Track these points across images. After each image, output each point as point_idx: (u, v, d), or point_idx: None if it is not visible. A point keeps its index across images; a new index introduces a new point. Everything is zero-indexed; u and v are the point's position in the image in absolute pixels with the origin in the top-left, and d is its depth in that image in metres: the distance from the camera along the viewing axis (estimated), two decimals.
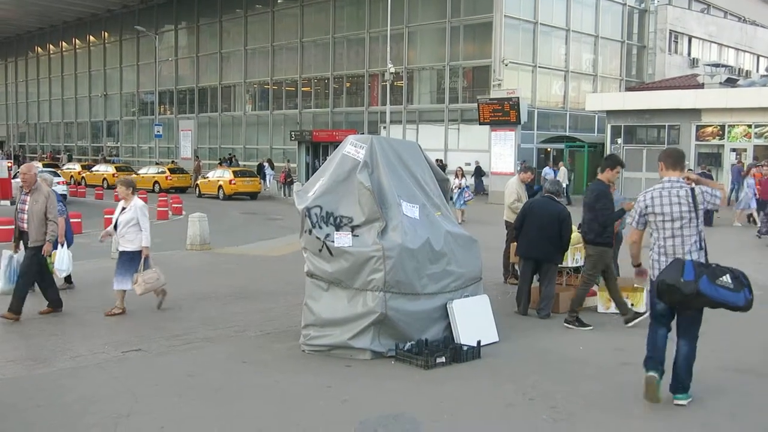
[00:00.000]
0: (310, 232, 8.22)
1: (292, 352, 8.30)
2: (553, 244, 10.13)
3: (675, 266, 6.28)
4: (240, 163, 47.74)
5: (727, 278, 6.16)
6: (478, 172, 36.93)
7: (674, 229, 6.50)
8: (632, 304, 10.44)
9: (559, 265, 10.63)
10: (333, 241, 8.08)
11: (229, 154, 50.87)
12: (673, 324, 6.67)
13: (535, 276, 10.55)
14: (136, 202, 10.49)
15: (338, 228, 8.16)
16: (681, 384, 6.55)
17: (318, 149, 45.54)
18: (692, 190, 6.52)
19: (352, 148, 8.51)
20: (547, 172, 32.41)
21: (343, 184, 8.36)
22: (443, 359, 7.78)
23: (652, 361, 6.54)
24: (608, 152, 35.77)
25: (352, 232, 8.11)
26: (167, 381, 7.26)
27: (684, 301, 6.20)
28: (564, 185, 33.42)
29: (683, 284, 6.10)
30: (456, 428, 6.07)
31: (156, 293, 10.57)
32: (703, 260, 6.46)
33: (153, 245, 17.36)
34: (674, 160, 6.70)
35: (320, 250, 8.15)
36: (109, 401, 6.62)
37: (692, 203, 6.46)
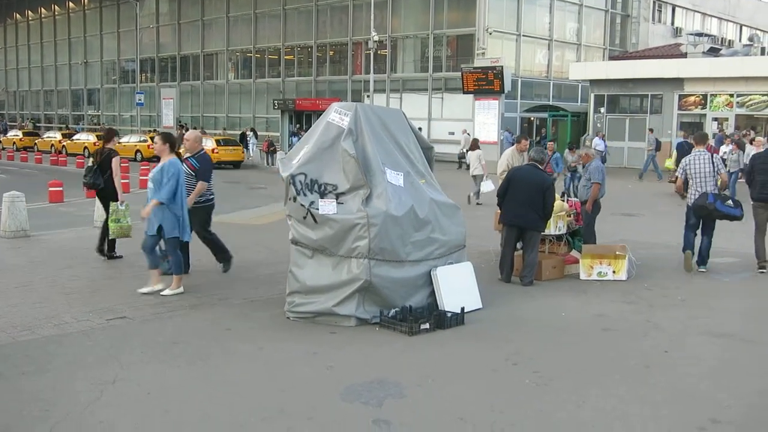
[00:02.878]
0: (295, 199, 8.22)
1: (277, 320, 8.34)
2: (536, 212, 10.18)
3: (703, 196, 10.94)
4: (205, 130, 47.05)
5: (730, 202, 11.09)
6: None
7: (701, 178, 11.05)
8: (614, 271, 10.57)
9: (542, 233, 10.70)
10: (317, 209, 8.09)
11: (180, 123, 50.53)
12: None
13: (518, 243, 10.62)
14: None
15: (323, 195, 8.17)
16: (703, 259, 11.21)
17: (301, 118, 45.30)
18: (712, 156, 11.27)
19: (337, 115, 8.49)
20: (597, 143, 30.54)
21: (327, 151, 8.34)
22: (427, 325, 7.84)
23: (686, 247, 11.23)
24: (591, 121, 35.85)
25: (336, 199, 8.12)
26: (152, 348, 7.28)
27: (708, 214, 10.95)
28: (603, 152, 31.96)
29: (708, 204, 10.83)
30: (440, 392, 6.15)
31: None
32: (717, 193, 11.03)
33: (135, 213, 17.36)
34: (699, 139, 11.68)
35: (305, 218, 8.16)
36: (94, 368, 6.64)
37: (711, 163, 11.06)
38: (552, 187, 10.28)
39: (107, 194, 11.52)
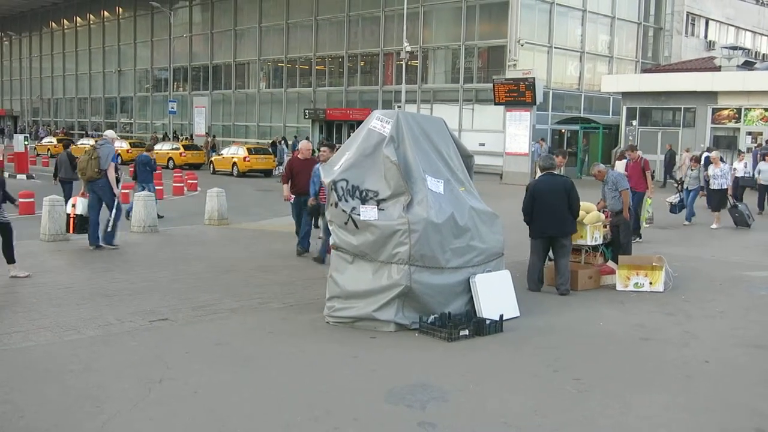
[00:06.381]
0: (336, 205, 8.32)
1: (317, 324, 8.43)
2: (565, 217, 10.20)
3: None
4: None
5: None
6: None
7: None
8: (651, 283, 10.54)
9: (578, 243, 10.70)
10: (359, 215, 8.17)
11: (165, 132, 52.16)
12: None
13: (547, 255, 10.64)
14: None
15: (364, 201, 8.25)
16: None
17: (332, 128, 45.50)
18: None
19: (378, 122, 8.58)
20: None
21: (369, 158, 8.44)
22: (467, 332, 7.89)
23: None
24: (623, 134, 35.67)
25: (377, 205, 8.21)
26: (196, 349, 7.40)
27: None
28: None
29: None
30: (483, 396, 6.19)
31: None
32: None
33: (171, 220, 17.58)
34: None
35: (346, 223, 8.26)
36: (141, 367, 6.76)
37: None
38: (574, 187, 10.31)
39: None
